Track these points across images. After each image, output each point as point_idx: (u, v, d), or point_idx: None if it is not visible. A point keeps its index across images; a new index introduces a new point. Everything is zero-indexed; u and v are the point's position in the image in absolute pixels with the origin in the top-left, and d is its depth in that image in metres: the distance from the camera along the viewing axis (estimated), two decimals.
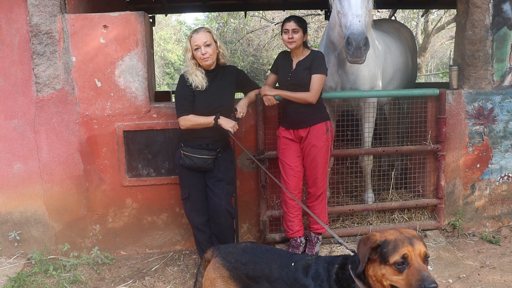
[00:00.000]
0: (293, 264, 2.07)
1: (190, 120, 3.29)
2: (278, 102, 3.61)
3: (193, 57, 3.31)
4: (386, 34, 4.63)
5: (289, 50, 3.60)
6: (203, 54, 3.25)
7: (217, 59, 3.39)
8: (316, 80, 3.42)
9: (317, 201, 3.63)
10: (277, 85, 3.81)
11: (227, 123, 3.30)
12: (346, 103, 4.09)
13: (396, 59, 4.50)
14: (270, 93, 3.54)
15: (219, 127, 3.30)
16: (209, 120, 3.29)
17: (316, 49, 3.81)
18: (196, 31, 3.33)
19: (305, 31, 3.47)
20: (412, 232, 1.82)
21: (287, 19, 3.47)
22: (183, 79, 3.35)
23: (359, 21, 3.27)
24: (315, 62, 3.44)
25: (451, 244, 4.04)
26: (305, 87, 3.46)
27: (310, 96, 3.43)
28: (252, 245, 2.30)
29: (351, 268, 1.89)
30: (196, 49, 3.26)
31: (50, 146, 3.75)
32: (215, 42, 3.32)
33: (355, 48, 3.22)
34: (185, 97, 3.32)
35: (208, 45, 3.25)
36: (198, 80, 3.29)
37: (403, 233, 1.78)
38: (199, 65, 3.34)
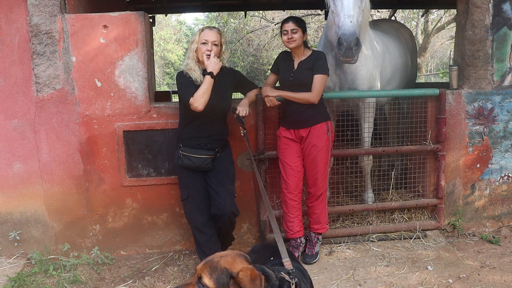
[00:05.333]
0: None
1: (201, 96, 3.17)
2: (279, 103, 3.61)
3: (196, 51, 3.33)
4: (385, 34, 4.63)
5: (289, 50, 3.60)
6: (208, 50, 3.27)
7: None
8: (318, 80, 3.43)
9: (317, 201, 3.64)
10: (277, 85, 3.81)
11: (213, 64, 3.22)
12: (345, 103, 4.09)
13: (395, 59, 4.50)
14: (272, 94, 3.53)
15: (217, 125, 3.31)
16: (206, 80, 3.20)
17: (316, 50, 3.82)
18: (209, 27, 3.38)
19: (304, 31, 3.47)
20: (218, 258, 1.73)
21: (285, 21, 3.49)
22: (181, 74, 3.35)
23: (351, 22, 3.30)
24: (317, 63, 3.45)
25: (451, 244, 4.04)
26: (307, 88, 3.46)
27: (312, 96, 3.44)
28: None
29: None
30: (203, 43, 3.28)
31: (50, 146, 3.75)
32: (221, 46, 3.37)
33: (346, 48, 3.26)
34: (190, 84, 3.27)
35: (215, 45, 3.30)
36: (196, 74, 3.30)
37: (212, 257, 1.75)
38: (198, 61, 3.35)
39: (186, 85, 3.28)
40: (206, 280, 1.65)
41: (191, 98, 3.18)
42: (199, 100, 3.17)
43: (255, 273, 1.68)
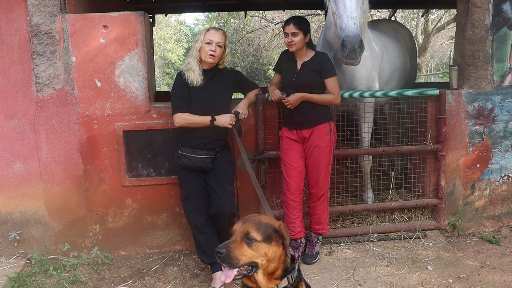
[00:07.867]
0: None
1: (185, 119, 3.29)
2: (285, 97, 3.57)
3: (200, 50, 3.34)
4: (384, 35, 4.63)
5: None
6: (211, 51, 3.29)
7: (218, 62, 3.43)
8: (333, 83, 3.49)
9: (318, 202, 3.63)
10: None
11: (224, 120, 3.31)
12: (344, 103, 4.09)
13: (394, 59, 4.50)
14: (296, 102, 3.45)
15: (216, 127, 3.30)
16: (205, 120, 3.29)
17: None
18: (215, 28, 3.43)
19: (306, 33, 3.45)
20: (257, 217, 1.97)
21: (287, 22, 3.47)
22: (180, 77, 3.38)
23: (354, 24, 3.29)
24: (325, 66, 3.47)
25: (451, 244, 4.04)
26: (310, 89, 3.45)
27: (335, 98, 3.50)
28: None
29: None
30: (208, 43, 3.30)
31: (50, 146, 3.75)
32: (225, 48, 3.39)
33: (350, 50, 3.26)
34: (181, 94, 3.33)
35: (219, 46, 3.32)
36: (194, 75, 3.31)
37: (250, 217, 1.99)
38: (200, 61, 3.36)
39: (179, 94, 3.34)
40: (254, 234, 1.88)
41: (177, 114, 3.30)
42: (182, 122, 3.30)
43: (286, 227, 2.00)
